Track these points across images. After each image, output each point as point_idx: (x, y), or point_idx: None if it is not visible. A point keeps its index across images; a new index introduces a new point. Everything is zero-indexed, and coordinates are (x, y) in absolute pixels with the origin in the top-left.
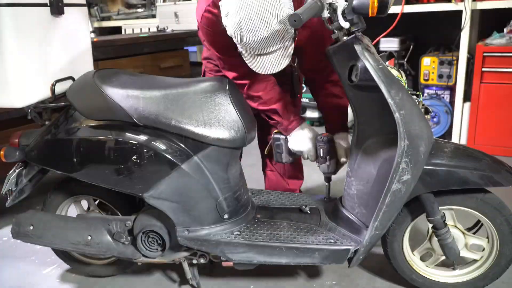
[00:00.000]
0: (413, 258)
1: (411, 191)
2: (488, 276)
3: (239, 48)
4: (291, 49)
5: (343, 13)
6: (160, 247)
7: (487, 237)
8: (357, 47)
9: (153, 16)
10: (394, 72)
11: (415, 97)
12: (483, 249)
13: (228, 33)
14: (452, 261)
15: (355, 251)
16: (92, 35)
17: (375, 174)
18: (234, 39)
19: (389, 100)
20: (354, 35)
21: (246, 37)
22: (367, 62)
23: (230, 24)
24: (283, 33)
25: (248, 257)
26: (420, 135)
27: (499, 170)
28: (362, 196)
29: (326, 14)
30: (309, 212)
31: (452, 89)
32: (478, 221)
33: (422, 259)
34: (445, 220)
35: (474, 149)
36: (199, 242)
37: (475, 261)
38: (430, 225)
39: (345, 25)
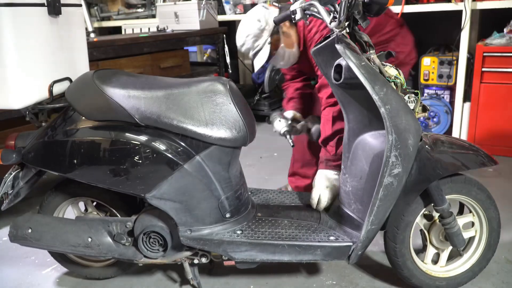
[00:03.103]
0: (429, 267)
1: (403, 184)
2: (491, 244)
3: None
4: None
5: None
6: (161, 248)
7: (470, 211)
8: (338, 47)
9: (153, 16)
10: (393, 71)
11: (413, 95)
12: (473, 225)
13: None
14: (458, 250)
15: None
16: (92, 35)
17: (368, 170)
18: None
19: (374, 96)
20: (336, 35)
21: (239, 41)
22: (349, 60)
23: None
24: (260, 30)
25: (251, 255)
26: (407, 128)
27: (474, 155)
28: (357, 193)
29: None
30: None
31: (452, 89)
32: (461, 205)
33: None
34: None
35: (461, 139)
36: (202, 242)
37: (473, 238)
38: (437, 215)
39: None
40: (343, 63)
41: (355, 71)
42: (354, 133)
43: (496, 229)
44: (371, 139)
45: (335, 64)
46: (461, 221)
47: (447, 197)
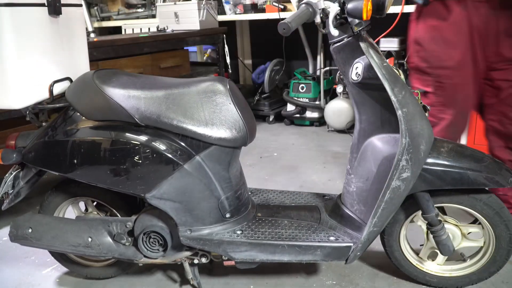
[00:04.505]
0: (422, 262)
1: (410, 189)
2: (496, 259)
3: None
4: None
5: (336, 18)
6: (161, 248)
7: (479, 223)
8: (363, 45)
9: (153, 16)
10: None
11: None
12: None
13: None
14: (461, 254)
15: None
16: (92, 35)
17: (375, 172)
18: None
19: (392, 98)
20: (359, 33)
21: None
22: (372, 59)
23: None
24: None
25: (251, 255)
26: (421, 134)
27: (498, 171)
28: (361, 194)
29: (318, 19)
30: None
31: None
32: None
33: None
34: (439, 217)
35: (474, 149)
36: (202, 242)
37: (481, 248)
38: (425, 222)
39: (335, 33)
40: (363, 62)
41: (376, 71)
42: (364, 134)
43: (505, 247)
44: (382, 142)
45: (354, 62)
46: (469, 229)
47: (446, 205)
